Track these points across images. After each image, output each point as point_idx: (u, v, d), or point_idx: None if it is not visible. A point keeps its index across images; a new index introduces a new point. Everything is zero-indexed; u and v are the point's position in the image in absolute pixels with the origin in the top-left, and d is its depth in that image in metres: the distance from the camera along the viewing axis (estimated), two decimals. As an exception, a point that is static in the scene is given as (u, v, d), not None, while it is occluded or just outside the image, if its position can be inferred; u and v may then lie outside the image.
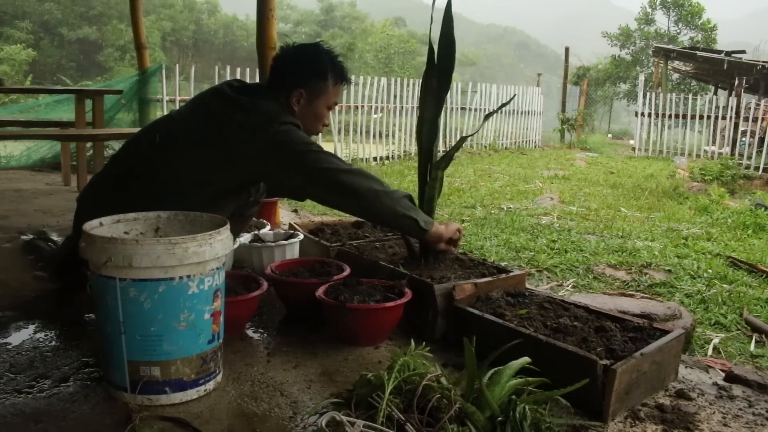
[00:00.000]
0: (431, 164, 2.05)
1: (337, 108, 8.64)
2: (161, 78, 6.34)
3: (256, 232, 2.51)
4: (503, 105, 2.31)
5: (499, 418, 1.20)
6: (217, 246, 1.39)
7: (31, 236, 2.86)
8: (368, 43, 34.52)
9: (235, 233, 1.98)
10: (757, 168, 9.34)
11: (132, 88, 5.76)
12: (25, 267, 2.47)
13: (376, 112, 9.36)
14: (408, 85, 9.73)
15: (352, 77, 8.81)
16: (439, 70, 2.00)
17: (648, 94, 11.96)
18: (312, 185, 1.82)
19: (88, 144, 4.78)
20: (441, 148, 2.17)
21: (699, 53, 13.50)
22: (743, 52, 13.35)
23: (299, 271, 2.08)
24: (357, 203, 1.82)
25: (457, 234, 2.03)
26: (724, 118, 10.86)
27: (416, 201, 1.98)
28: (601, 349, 1.50)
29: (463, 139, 2.15)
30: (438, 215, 2.09)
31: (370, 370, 1.37)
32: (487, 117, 2.34)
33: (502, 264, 2.20)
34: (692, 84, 20.85)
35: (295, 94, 1.92)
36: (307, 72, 1.93)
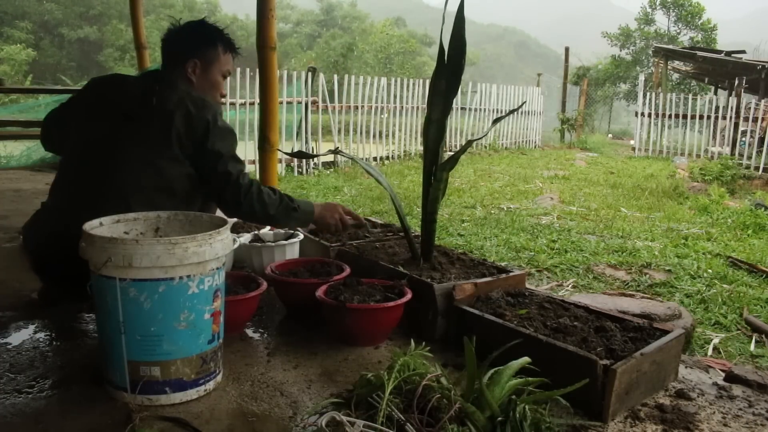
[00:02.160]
0: (437, 165, 2.05)
1: (337, 108, 8.64)
2: (161, 78, 6.34)
3: (256, 232, 2.51)
4: (513, 111, 2.31)
5: (499, 418, 1.20)
6: (217, 246, 1.39)
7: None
8: (368, 43, 34.50)
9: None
10: (757, 168, 9.34)
11: (132, 88, 5.74)
12: (25, 267, 2.47)
13: (382, 113, 9.36)
14: (408, 85, 9.73)
15: (352, 77, 8.75)
16: (448, 70, 2.00)
17: (648, 94, 11.95)
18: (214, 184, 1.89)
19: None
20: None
21: (699, 53, 13.51)
22: (743, 52, 13.36)
23: (299, 271, 2.08)
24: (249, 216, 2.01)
25: (339, 213, 2.13)
26: (724, 118, 10.86)
27: (419, 201, 2.00)
28: (601, 349, 1.50)
29: (470, 142, 2.15)
30: (438, 215, 2.09)
31: (370, 370, 1.37)
32: (495, 121, 2.34)
33: (502, 264, 2.20)
34: (692, 84, 20.84)
35: (189, 63, 1.98)
36: (197, 41, 2.01)
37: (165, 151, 1.80)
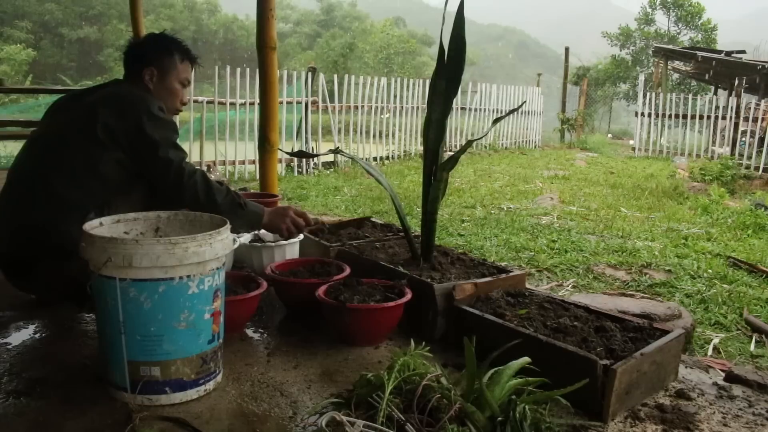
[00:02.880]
0: (437, 165, 2.05)
1: (337, 108, 8.65)
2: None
3: (256, 232, 2.51)
4: (513, 111, 2.32)
5: (499, 418, 1.20)
6: (217, 246, 1.39)
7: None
8: (368, 43, 34.50)
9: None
10: (757, 168, 9.34)
11: (132, 88, 5.74)
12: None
13: (382, 113, 9.37)
14: (408, 85, 9.73)
15: (352, 77, 8.74)
16: (448, 71, 2.00)
17: (648, 94, 11.96)
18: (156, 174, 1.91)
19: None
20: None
21: (699, 53, 13.50)
22: (743, 52, 13.36)
23: (299, 271, 2.09)
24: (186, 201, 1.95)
25: (290, 213, 2.12)
26: (724, 118, 10.86)
27: (419, 201, 2.00)
28: (601, 349, 1.50)
29: (470, 142, 2.15)
30: (438, 215, 2.09)
31: (370, 370, 1.37)
32: (496, 121, 2.34)
33: (502, 264, 2.20)
34: (692, 84, 20.83)
35: (146, 72, 2.05)
36: (153, 50, 2.09)
37: (89, 135, 1.85)
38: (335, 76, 9.14)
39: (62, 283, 1.82)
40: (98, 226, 1.50)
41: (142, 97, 1.94)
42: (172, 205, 1.85)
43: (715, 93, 15.53)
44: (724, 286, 3.13)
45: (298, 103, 8.24)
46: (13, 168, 2.01)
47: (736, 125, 10.40)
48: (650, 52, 21.84)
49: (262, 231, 2.53)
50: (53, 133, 1.93)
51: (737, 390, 1.62)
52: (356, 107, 9.02)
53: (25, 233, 1.84)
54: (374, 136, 9.32)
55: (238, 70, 7.52)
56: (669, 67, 16.56)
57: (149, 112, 1.90)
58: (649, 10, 25.46)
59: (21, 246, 1.86)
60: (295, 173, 7.92)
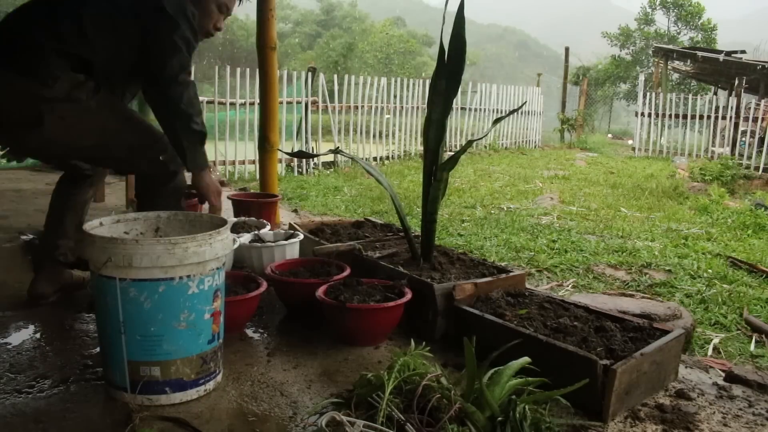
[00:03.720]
0: (437, 165, 2.05)
1: (337, 108, 8.64)
2: (161, 78, 6.32)
3: (256, 232, 2.51)
4: (514, 111, 2.32)
5: (499, 418, 1.20)
6: (217, 246, 1.39)
7: (31, 236, 2.86)
8: (368, 43, 34.49)
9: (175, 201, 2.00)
10: (757, 168, 9.34)
11: (132, 88, 5.75)
12: (25, 267, 2.47)
13: (383, 114, 9.37)
14: (408, 85, 9.72)
15: (352, 77, 8.68)
16: (448, 70, 2.00)
17: (648, 94, 11.95)
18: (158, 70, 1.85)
19: (88, 144, 4.77)
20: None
21: (699, 53, 13.50)
22: (743, 52, 13.35)
23: (299, 271, 2.09)
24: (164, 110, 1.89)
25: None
26: (724, 118, 10.86)
27: (419, 201, 2.00)
28: (601, 349, 1.50)
29: (470, 142, 2.15)
30: (438, 215, 2.09)
31: (370, 370, 1.37)
32: (496, 122, 2.35)
33: (502, 264, 2.20)
34: (692, 84, 20.83)
35: None
36: None
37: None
38: (335, 76, 9.13)
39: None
40: (98, 226, 1.50)
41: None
42: (152, 100, 1.86)
43: (715, 93, 15.50)
44: (724, 286, 3.13)
45: (298, 103, 8.23)
46: None
47: (736, 125, 10.39)
48: (650, 52, 21.82)
49: (262, 231, 2.53)
50: None
51: (737, 390, 1.62)
52: (356, 107, 9.01)
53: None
54: (374, 136, 9.31)
55: (238, 70, 7.51)
56: (669, 67, 16.55)
57: (187, 7, 1.88)
58: (649, 10, 25.44)
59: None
60: (295, 173, 7.92)
